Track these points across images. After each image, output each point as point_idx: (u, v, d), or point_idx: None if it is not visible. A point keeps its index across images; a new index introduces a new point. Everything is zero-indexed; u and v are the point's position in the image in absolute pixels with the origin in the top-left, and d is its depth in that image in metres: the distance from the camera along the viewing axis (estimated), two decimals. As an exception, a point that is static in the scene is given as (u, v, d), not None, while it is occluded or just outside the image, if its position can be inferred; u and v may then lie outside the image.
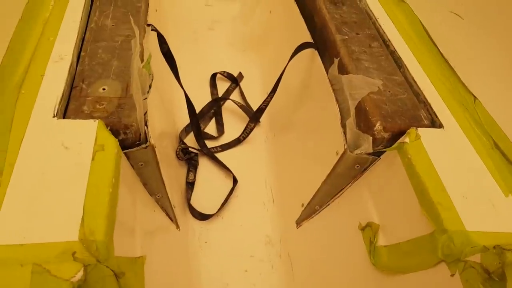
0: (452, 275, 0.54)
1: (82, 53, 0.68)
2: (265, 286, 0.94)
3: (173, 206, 0.86)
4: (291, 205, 1.01)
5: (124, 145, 0.59)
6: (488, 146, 0.73)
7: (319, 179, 0.87)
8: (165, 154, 1.04)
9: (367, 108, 0.77)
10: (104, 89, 0.62)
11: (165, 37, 0.92)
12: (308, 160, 1.00)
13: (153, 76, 0.68)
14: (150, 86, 0.66)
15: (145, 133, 0.62)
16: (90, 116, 0.57)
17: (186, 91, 1.08)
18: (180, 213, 0.99)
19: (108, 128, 0.56)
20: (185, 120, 1.17)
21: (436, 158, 0.67)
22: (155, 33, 0.89)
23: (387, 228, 0.71)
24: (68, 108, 0.60)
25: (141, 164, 0.65)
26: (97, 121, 0.55)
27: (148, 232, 0.71)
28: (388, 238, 0.70)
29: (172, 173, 1.03)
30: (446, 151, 0.69)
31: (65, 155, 0.51)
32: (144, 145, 0.61)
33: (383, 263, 0.69)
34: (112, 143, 0.54)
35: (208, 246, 0.99)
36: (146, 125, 0.63)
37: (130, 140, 0.60)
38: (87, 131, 0.53)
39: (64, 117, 0.58)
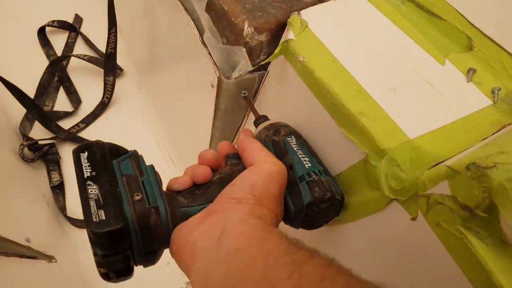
0: (413, 219, 0.35)
1: None
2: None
3: (27, 240, 0.60)
4: (194, 162, 0.78)
5: None
6: (397, 2, 0.52)
7: (208, 125, 0.64)
8: (2, 166, 0.74)
9: (225, 7, 0.52)
10: None
11: None
12: (190, 103, 0.75)
13: None
14: None
15: None
16: None
17: (10, 64, 0.77)
18: (55, 233, 0.73)
19: None
20: (22, 107, 0.85)
21: (337, 47, 0.45)
22: None
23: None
24: None
25: None
26: None
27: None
28: (313, 177, 0.49)
29: (21, 187, 0.75)
30: (347, 31, 0.47)
31: None
32: None
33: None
34: None
35: (110, 254, 0.76)
36: None
37: None
38: None
39: None
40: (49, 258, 0.64)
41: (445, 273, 0.33)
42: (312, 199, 0.37)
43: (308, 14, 0.48)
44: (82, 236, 0.76)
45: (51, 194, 0.79)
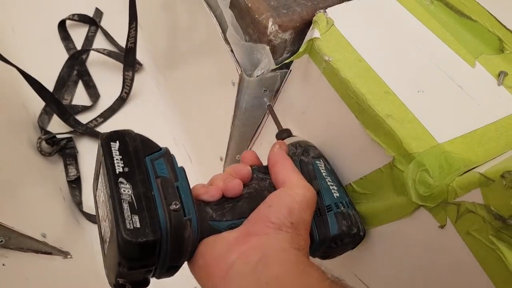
0: (442, 227, 0.34)
1: None
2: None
3: (42, 235, 0.60)
4: (212, 161, 0.78)
5: None
6: (425, 1, 0.50)
7: (228, 123, 0.63)
8: (20, 159, 0.75)
9: (249, 4, 0.51)
10: None
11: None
12: (209, 101, 0.75)
13: None
14: None
15: None
16: None
17: (30, 57, 0.78)
18: (71, 228, 0.74)
19: None
20: (41, 100, 0.85)
21: (364, 47, 0.44)
22: None
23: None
24: None
25: None
26: None
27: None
28: (334, 179, 0.48)
29: (38, 181, 0.75)
30: (374, 30, 0.46)
31: None
32: None
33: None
34: None
35: (125, 250, 0.76)
36: None
37: None
38: None
39: None
40: (65, 254, 0.65)
41: (475, 284, 0.31)
42: (338, 232, 0.35)
43: (334, 12, 0.47)
44: (97, 231, 0.76)
45: (67, 188, 0.79)
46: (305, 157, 0.40)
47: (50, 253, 0.61)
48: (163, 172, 0.31)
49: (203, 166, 0.84)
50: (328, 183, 0.38)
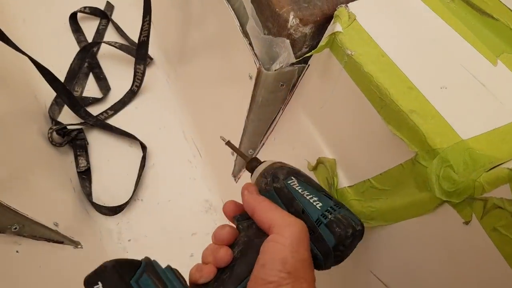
0: (466, 223, 0.33)
1: None
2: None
3: (55, 224, 0.60)
4: (222, 155, 0.78)
5: None
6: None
7: (242, 117, 0.63)
8: (32, 149, 0.75)
9: (269, -3, 0.51)
10: None
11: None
12: (222, 95, 0.75)
13: None
14: None
15: None
16: None
17: (41, 49, 0.78)
18: (81, 218, 0.74)
19: None
20: (52, 91, 0.85)
21: (386, 42, 0.44)
22: None
23: (346, 161, 0.49)
24: None
25: None
26: None
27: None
28: (352, 175, 0.48)
29: (49, 171, 0.75)
30: (396, 26, 0.46)
31: None
32: None
33: (353, 210, 0.48)
34: None
35: (134, 243, 0.76)
36: None
37: None
38: None
39: None
40: (75, 244, 0.64)
41: (501, 282, 0.31)
42: (336, 240, 0.36)
43: (356, 7, 0.46)
44: (106, 223, 0.76)
45: (77, 179, 0.79)
46: (276, 183, 0.40)
47: (61, 242, 0.61)
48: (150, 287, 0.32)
49: (213, 160, 0.84)
50: (307, 197, 0.38)
